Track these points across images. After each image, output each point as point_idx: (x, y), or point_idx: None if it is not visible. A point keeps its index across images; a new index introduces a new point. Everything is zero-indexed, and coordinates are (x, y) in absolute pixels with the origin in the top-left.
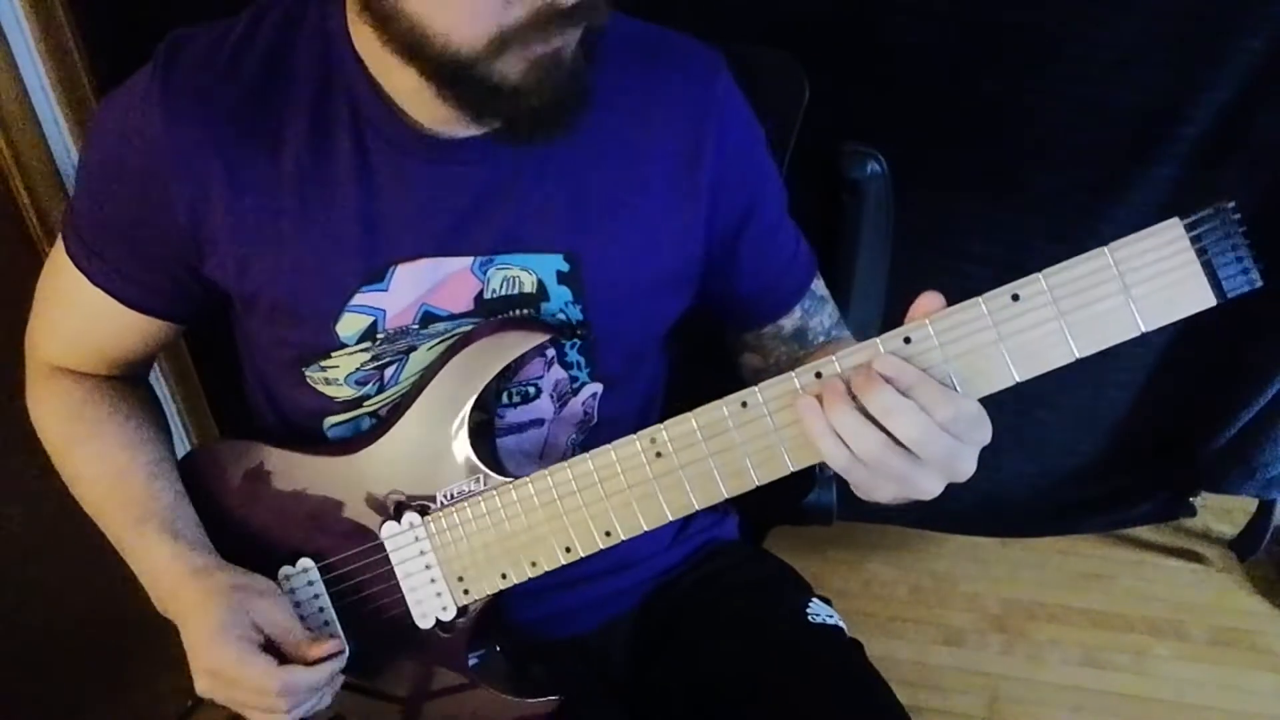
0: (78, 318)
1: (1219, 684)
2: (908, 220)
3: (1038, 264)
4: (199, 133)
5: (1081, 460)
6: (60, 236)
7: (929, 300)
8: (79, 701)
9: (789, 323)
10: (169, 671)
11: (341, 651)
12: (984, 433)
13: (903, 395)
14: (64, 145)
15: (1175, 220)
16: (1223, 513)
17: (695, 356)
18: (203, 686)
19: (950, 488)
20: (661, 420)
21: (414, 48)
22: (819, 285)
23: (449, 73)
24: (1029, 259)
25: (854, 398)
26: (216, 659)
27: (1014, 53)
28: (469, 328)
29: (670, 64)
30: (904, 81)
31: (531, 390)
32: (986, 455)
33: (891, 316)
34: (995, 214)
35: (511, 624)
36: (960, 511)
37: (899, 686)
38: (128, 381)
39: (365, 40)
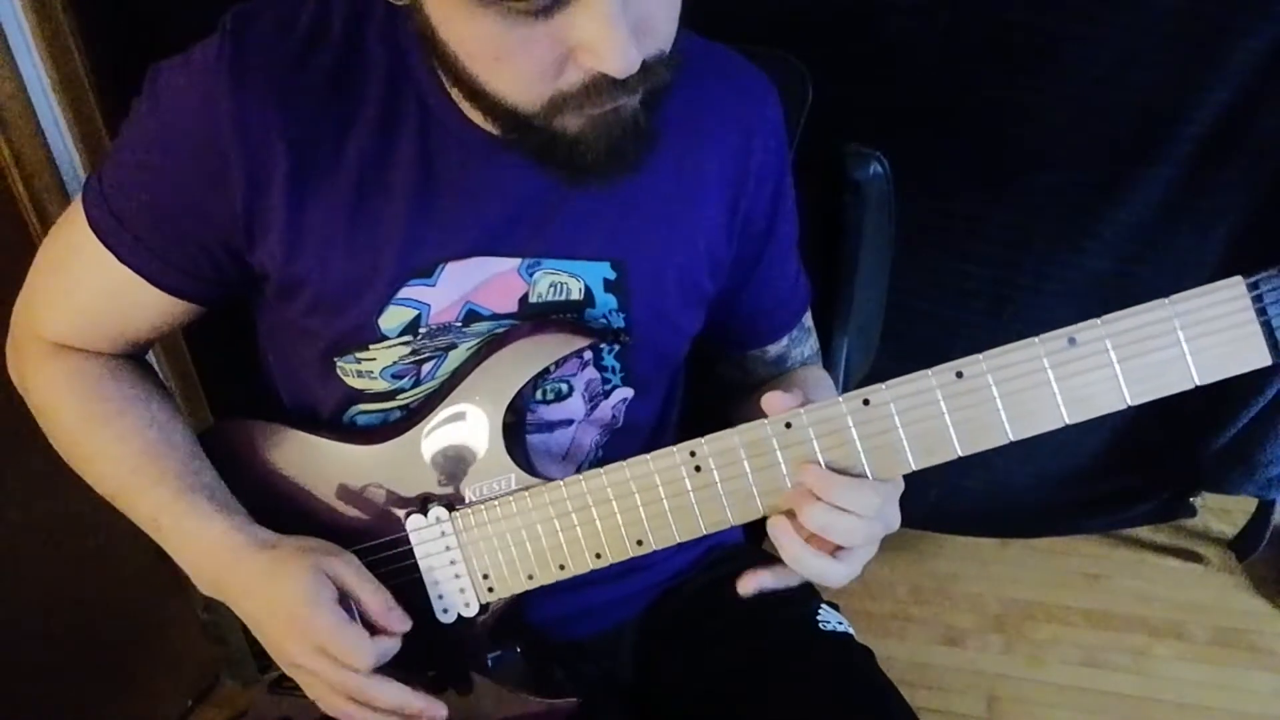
0: (97, 295)
1: (1219, 684)
2: (908, 220)
3: (1037, 264)
4: (268, 113)
5: (1081, 460)
6: (78, 207)
7: (778, 399)
8: (79, 701)
9: (774, 349)
10: (169, 671)
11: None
12: (899, 492)
13: (830, 506)
14: (64, 145)
15: (1238, 278)
16: (1223, 513)
17: (707, 361)
18: (291, 661)
19: (951, 489)
20: (678, 425)
21: (474, 96)
22: (807, 317)
23: (509, 121)
24: (1029, 259)
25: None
26: (312, 629)
27: (1014, 53)
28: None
29: (726, 81)
30: (904, 82)
31: (564, 388)
32: (987, 455)
33: (892, 317)
34: (995, 214)
35: (524, 625)
36: (960, 511)
37: (899, 686)
38: (134, 360)
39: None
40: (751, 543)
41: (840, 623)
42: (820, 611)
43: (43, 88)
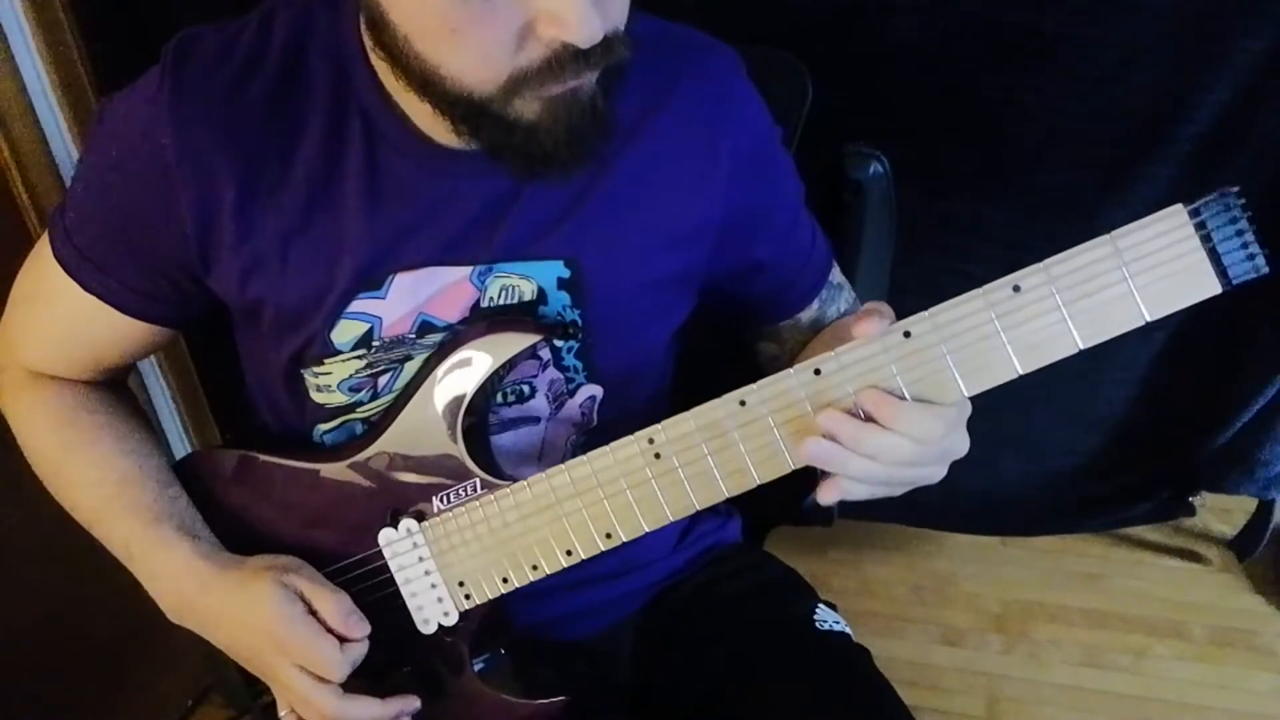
0: (67, 323)
1: (1219, 684)
2: (908, 220)
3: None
4: (211, 142)
5: (1081, 460)
6: (45, 238)
7: (869, 323)
8: (79, 702)
9: (806, 315)
10: (169, 672)
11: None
12: (966, 414)
13: (885, 430)
14: (64, 145)
15: (1179, 206)
16: (1223, 513)
17: (700, 363)
18: (274, 679)
19: (950, 488)
20: None
21: (426, 85)
22: (835, 273)
23: (462, 109)
24: (1029, 259)
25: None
26: (288, 645)
27: (1014, 53)
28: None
29: (686, 63)
30: (904, 82)
31: (526, 389)
32: (986, 455)
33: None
34: (995, 214)
35: (515, 627)
36: (960, 511)
37: (899, 686)
38: (113, 387)
39: (378, 60)
40: (747, 540)
41: (837, 622)
42: (818, 611)
43: (43, 88)
